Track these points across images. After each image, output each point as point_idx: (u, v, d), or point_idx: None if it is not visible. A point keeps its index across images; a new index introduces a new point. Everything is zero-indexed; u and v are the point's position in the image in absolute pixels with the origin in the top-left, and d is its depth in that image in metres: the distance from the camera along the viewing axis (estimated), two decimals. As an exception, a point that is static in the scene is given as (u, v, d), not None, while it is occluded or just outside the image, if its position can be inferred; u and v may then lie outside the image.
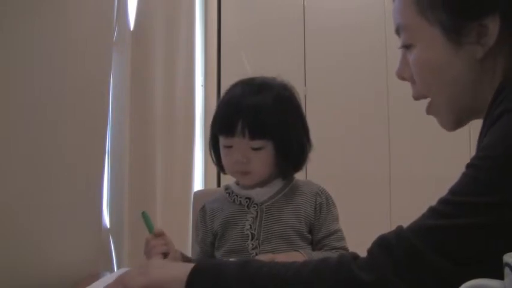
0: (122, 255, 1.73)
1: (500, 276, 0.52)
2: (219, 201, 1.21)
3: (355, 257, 0.69)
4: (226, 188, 1.22)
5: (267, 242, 1.12)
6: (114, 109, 1.72)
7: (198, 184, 2.52)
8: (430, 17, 0.75)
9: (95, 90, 1.52)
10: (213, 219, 1.18)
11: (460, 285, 0.54)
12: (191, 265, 0.77)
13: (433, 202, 0.67)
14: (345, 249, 1.13)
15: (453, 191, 0.65)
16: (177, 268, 0.78)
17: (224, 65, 2.89)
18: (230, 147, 1.12)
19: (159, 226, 1.12)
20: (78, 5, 1.45)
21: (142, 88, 1.90)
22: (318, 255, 1.06)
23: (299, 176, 1.22)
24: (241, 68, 2.81)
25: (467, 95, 0.76)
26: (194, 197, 1.55)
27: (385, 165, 2.80)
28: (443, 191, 0.67)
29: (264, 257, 1.00)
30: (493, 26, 0.71)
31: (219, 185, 2.61)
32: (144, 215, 1.10)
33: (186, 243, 1.88)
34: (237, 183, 1.21)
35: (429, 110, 0.82)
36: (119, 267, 1.69)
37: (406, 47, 0.80)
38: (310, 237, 1.14)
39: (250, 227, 1.13)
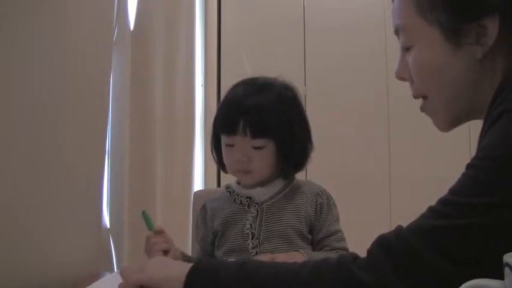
0: (122, 255, 1.73)
1: (500, 276, 0.52)
2: (220, 200, 1.21)
3: (355, 257, 0.69)
4: (227, 187, 1.22)
5: (267, 242, 1.12)
6: (114, 109, 1.73)
7: (198, 184, 2.52)
8: (429, 17, 0.75)
9: (95, 90, 1.52)
10: (214, 218, 1.19)
11: (459, 285, 0.54)
12: (190, 265, 0.77)
13: (433, 202, 0.67)
14: (345, 249, 1.13)
15: (453, 191, 0.65)
16: (176, 267, 0.78)
17: (224, 65, 2.88)
18: (232, 145, 1.12)
19: (159, 225, 1.12)
20: (78, 5, 1.45)
21: (142, 88, 1.90)
22: (318, 255, 1.06)
23: (299, 175, 1.23)
24: (241, 68, 2.81)
25: (466, 96, 0.76)
26: (194, 197, 1.55)
27: (385, 165, 2.80)
28: (443, 191, 0.67)
29: (263, 257, 1.01)
30: (492, 27, 0.71)
31: (219, 185, 2.61)
32: (144, 215, 1.10)
33: (186, 243, 1.88)
34: (238, 183, 1.21)
35: (424, 108, 0.82)
36: (118, 267, 1.69)
37: (405, 47, 0.80)
38: (311, 237, 1.14)
39: (251, 226, 1.13)
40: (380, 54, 2.75)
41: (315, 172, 1.27)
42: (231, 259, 1.06)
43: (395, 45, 0.83)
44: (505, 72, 0.72)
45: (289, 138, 1.12)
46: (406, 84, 0.83)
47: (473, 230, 0.60)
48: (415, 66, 0.78)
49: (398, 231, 0.66)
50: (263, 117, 1.09)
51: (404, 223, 0.68)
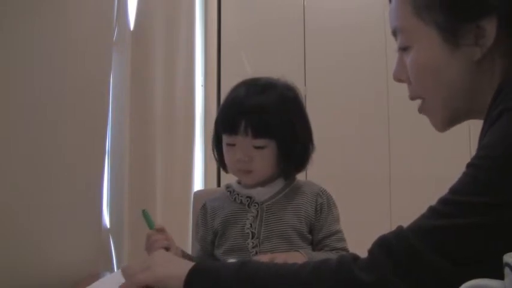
0: (122, 255, 1.73)
1: (500, 276, 0.52)
2: (220, 199, 1.21)
3: (355, 257, 0.69)
4: (228, 186, 1.22)
5: (267, 241, 1.12)
6: (114, 109, 1.73)
7: (198, 184, 2.52)
8: (426, 18, 0.75)
9: (95, 90, 1.52)
10: (214, 217, 1.19)
11: (459, 285, 0.54)
12: (192, 263, 0.77)
13: (433, 202, 0.67)
14: (346, 250, 1.14)
15: (453, 191, 0.65)
16: (178, 266, 0.78)
17: (224, 65, 2.89)
18: (233, 145, 1.12)
19: (159, 224, 1.13)
20: (78, 5, 1.45)
21: (142, 88, 1.90)
22: (318, 255, 1.06)
23: (299, 176, 1.23)
24: (241, 68, 2.81)
25: (464, 96, 0.76)
26: (194, 197, 1.55)
27: (385, 165, 2.80)
28: (443, 191, 0.67)
29: (264, 257, 1.01)
30: (490, 28, 0.70)
31: (219, 184, 2.61)
32: (145, 213, 1.10)
33: (186, 243, 1.88)
34: (239, 182, 1.21)
35: (422, 109, 0.82)
36: (119, 267, 1.69)
37: (403, 49, 0.80)
38: (311, 237, 1.14)
39: (251, 226, 1.13)
40: (380, 54, 2.76)
41: (315, 172, 1.27)
42: (231, 258, 1.07)
43: (395, 45, 0.83)
44: (504, 72, 0.72)
45: (291, 139, 1.12)
46: (406, 84, 0.83)
47: (473, 229, 0.60)
48: (413, 67, 0.78)
49: (399, 232, 0.66)
50: (264, 117, 1.09)
51: (404, 223, 0.68)
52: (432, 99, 0.79)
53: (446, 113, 0.79)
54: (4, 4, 1.23)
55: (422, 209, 0.67)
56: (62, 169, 1.37)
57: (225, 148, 1.15)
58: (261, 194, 1.16)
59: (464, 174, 0.65)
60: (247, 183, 1.18)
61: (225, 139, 1.14)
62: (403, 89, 0.84)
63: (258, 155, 1.11)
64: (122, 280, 0.83)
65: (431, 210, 0.66)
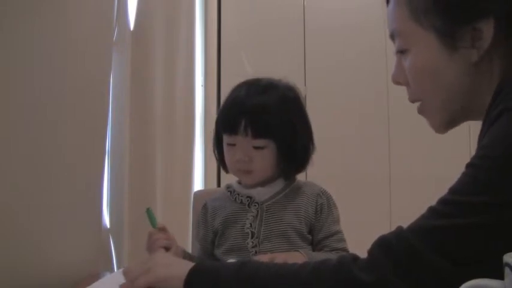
0: (122, 255, 1.73)
1: (500, 276, 0.52)
2: (221, 199, 1.21)
3: (355, 258, 0.69)
4: (228, 186, 1.22)
5: (267, 241, 1.12)
6: (114, 109, 1.73)
7: (198, 184, 2.52)
8: (423, 22, 0.75)
9: (95, 90, 1.52)
10: (214, 217, 1.19)
11: (459, 285, 0.54)
12: (192, 264, 0.77)
13: (433, 202, 0.67)
14: (345, 250, 1.14)
15: (453, 191, 0.65)
16: (178, 266, 0.78)
17: (224, 65, 2.88)
18: (233, 145, 1.13)
19: (161, 223, 1.13)
20: (78, 5, 1.45)
21: (142, 88, 1.90)
22: (318, 255, 1.06)
23: (299, 176, 1.23)
24: (241, 68, 2.81)
25: (463, 98, 0.76)
26: (194, 197, 1.55)
27: (385, 165, 2.80)
28: (443, 191, 0.67)
29: (264, 257, 1.01)
30: (487, 30, 0.71)
31: (219, 185, 2.61)
32: (149, 211, 1.11)
33: (186, 243, 1.88)
34: (239, 182, 1.21)
35: (421, 111, 0.82)
36: (119, 267, 1.70)
37: (401, 52, 0.80)
38: (310, 237, 1.14)
39: (251, 226, 1.14)
40: (380, 54, 2.75)
41: (315, 172, 1.27)
42: (231, 258, 1.07)
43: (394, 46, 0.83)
44: (502, 73, 0.72)
45: (291, 139, 1.12)
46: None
47: (473, 229, 0.61)
48: (411, 70, 0.78)
49: (399, 232, 0.66)
50: (264, 117, 1.09)
51: (404, 223, 0.68)
52: (431, 101, 0.79)
53: (444, 115, 0.79)
54: (4, 4, 1.23)
55: (422, 209, 0.67)
56: (62, 169, 1.37)
57: (225, 148, 1.15)
58: (261, 194, 1.16)
59: (464, 174, 0.66)
60: (247, 184, 1.18)
61: (225, 139, 1.15)
62: (403, 89, 0.84)
63: (258, 155, 1.11)
64: (122, 280, 0.83)
65: (431, 210, 0.66)
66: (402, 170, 2.77)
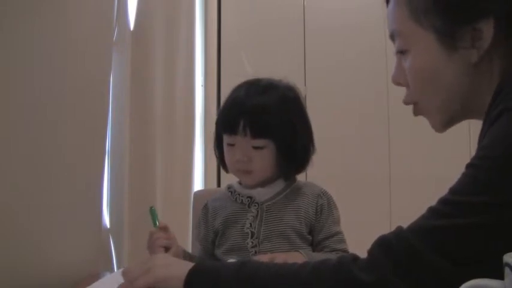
0: (122, 255, 1.73)
1: (500, 276, 0.52)
2: (222, 199, 1.22)
3: (354, 258, 0.69)
4: (229, 187, 1.23)
5: (267, 241, 1.12)
6: (114, 109, 1.73)
7: (198, 184, 2.52)
8: (423, 22, 0.75)
9: (95, 90, 1.52)
10: (215, 217, 1.19)
11: (459, 285, 0.54)
12: (192, 264, 0.77)
13: (433, 202, 0.67)
14: (345, 251, 1.13)
15: (453, 191, 0.65)
16: (178, 267, 0.78)
17: (224, 65, 2.88)
18: (233, 145, 1.13)
19: (163, 222, 1.13)
20: (78, 5, 1.45)
21: (142, 88, 1.90)
22: (318, 256, 1.06)
23: (299, 176, 1.23)
24: (241, 68, 2.81)
25: (463, 98, 0.76)
26: (194, 197, 1.55)
27: (385, 165, 2.80)
28: (443, 191, 0.67)
29: (263, 257, 1.01)
30: (487, 30, 0.71)
31: (219, 185, 2.61)
32: (152, 210, 1.12)
33: (186, 243, 1.88)
34: (240, 183, 1.21)
35: (417, 111, 0.82)
36: (119, 267, 1.70)
37: (401, 52, 0.80)
38: (310, 238, 1.14)
39: (250, 226, 1.14)
40: (380, 54, 2.75)
41: (315, 172, 1.26)
42: (231, 258, 1.07)
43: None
44: (502, 73, 0.72)
45: (290, 139, 1.12)
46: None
47: (473, 229, 0.61)
48: (411, 71, 0.79)
49: (399, 232, 0.66)
50: (264, 117, 1.09)
51: (404, 223, 0.68)
52: (430, 101, 0.79)
53: (445, 114, 0.79)
54: (4, 4, 1.23)
55: (422, 209, 0.67)
56: (62, 169, 1.37)
57: (225, 148, 1.16)
58: (261, 194, 1.16)
59: (464, 174, 0.66)
60: (247, 184, 1.18)
61: (225, 139, 1.15)
62: (403, 89, 0.84)
63: (257, 155, 1.11)
64: (122, 280, 0.83)
65: (431, 210, 0.66)
66: (402, 170, 2.77)
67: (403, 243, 0.64)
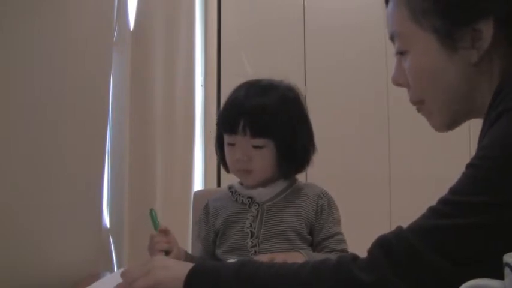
0: (122, 255, 1.73)
1: (500, 276, 0.52)
2: (222, 200, 1.22)
3: (354, 257, 0.69)
4: (230, 187, 1.23)
5: (267, 241, 1.12)
6: (114, 109, 1.73)
7: (198, 184, 2.52)
8: (423, 22, 0.75)
9: (95, 90, 1.52)
10: (216, 217, 1.19)
11: (459, 285, 0.54)
12: (192, 265, 0.77)
13: (433, 202, 0.67)
14: (345, 251, 1.14)
15: (453, 191, 0.65)
16: (178, 268, 0.78)
17: (224, 65, 2.88)
18: (233, 145, 1.13)
19: (164, 225, 1.13)
20: (78, 5, 1.45)
21: (142, 88, 1.90)
22: (318, 256, 1.06)
23: (299, 176, 1.23)
24: (241, 68, 2.81)
25: (463, 99, 0.76)
26: (194, 197, 1.55)
27: (385, 165, 2.80)
28: (443, 191, 0.67)
29: (263, 257, 1.01)
30: (487, 30, 0.71)
31: (219, 185, 2.61)
32: (152, 213, 1.11)
33: (186, 243, 1.88)
34: (241, 183, 1.21)
35: (421, 109, 0.82)
36: (119, 267, 1.70)
37: (401, 53, 0.80)
38: (310, 238, 1.14)
39: (250, 226, 1.14)
40: (380, 54, 2.75)
41: (315, 172, 1.26)
42: (231, 258, 1.07)
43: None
44: (502, 73, 0.72)
45: (290, 139, 1.12)
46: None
47: (473, 229, 0.61)
48: (411, 71, 0.78)
49: (399, 232, 0.66)
50: (263, 116, 1.10)
51: (404, 223, 0.68)
52: (432, 102, 0.79)
53: (446, 115, 0.79)
54: (4, 4, 1.23)
55: (422, 209, 0.67)
56: (62, 169, 1.37)
57: (226, 148, 1.16)
58: (262, 194, 1.16)
59: (464, 174, 0.66)
60: (248, 184, 1.18)
61: (226, 139, 1.15)
62: (403, 89, 0.84)
63: (257, 154, 1.12)
64: (122, 280, 0.83)
65: (431, 210, 0.66)
66: (402, 170, 2.77)
67: (403, 243, 0.64)
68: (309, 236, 1.14)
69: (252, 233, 1.13)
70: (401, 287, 0.62)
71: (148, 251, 1.10)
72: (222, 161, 1.20)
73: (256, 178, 1.15)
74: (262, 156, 1.12)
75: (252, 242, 1.13)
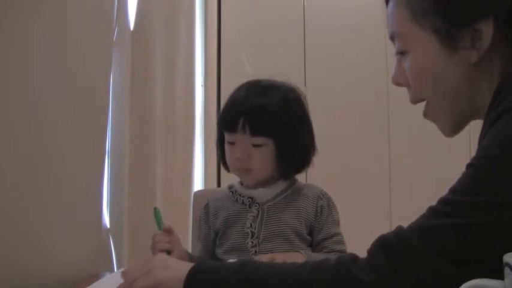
0: (122, 255, 1.73)
1: (500, 276, 0.52)
2: (223, 199, 1.22)
3: (354, 257, 0.69)
4: (230, 187, 1.23)
5: (267, 241, 1.12)
6: (114, 109, 1.73)
7: (198, 184, 2.52)
8: (423, 22, 0.75)
9: (95, 90, 1.52)
10: (216, 216, 1.19)
11: (459, 285, 0.54)
12: (192, 264, 0.77)
13: (433, 202, 0.67)
14: (344, 252, 1.14)
15: (453, 191, 0.65)
16: (178, 268, 0.78)
17: (224, 65, 2.88)
18: (233, 143, 1.13)
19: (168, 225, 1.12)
20: (78, 5, 1.45)
21: (142, 88, 1.90)
22: (317, 256, 1.06)
23: (299, 177, 1.23)
24: (241, 68, 2.81)
25: (464, 99, 0.76)
26: (194, 197, 1.55)
27: (385, 165, 2.80)
28: (443, 191, 0.67)
29: (264, 257, 1.01)
30: (487, 30, 0.70)
31: (219, 185, 2.61)
32: (156, 212, 1.11)
33: (187, 243, 1.88)
34: (241, 183, 1.22)
35: (427, 115, 0.82)
36: (119, 267, 1.70)
37: (401, 53, 0.80)
38: (310, 239, 1.14)
39: (251, 226, 1.14)
40: (380, 54, 2.75)
41: (315, 172, 1.26)
42: (231, 258, 1.07)
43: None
44: (502, 73, 0.72)
45: (290, 139, 1.13)
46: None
47: (473, 229, 0.61)
48: (411, 72, 0.78)
49: (399, 231, 0.66)
50: (263, 115, 1.10)
51: (404, 223, 0.68)
52: (434, 104, 0.79)
53: (449, 117, 0.79)
54: (4, 4, 1.23)
55: (422, 209, 0.67)
56: (62, 169, 1.37)
57: (226, 147, 1.16)
58: (262, 194, 1.16)
59: (464, 174, 0.66)
60: (247, 183, 1.18)
61: (226, 137, 1.16)
62: (403, 89, 0.84)
63: (257, 153, 1.12)
64: (122, 281, 0.83)
65: (431, 210, 0.66)
66: (402, 170, 2.77)
67: (403, 243, 0.64)
68: (308, 237, 1.14)
69: (253, 233, 1.13)
70: (402, 287, 0.62)
71: (151, 250, 1.10)
72: (222, 160, 1.20)
73: (255, 177, 1.15)
74: (261, 155, 1.12)
75: (252, 242, 1.13)
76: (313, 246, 1.15)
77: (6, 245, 1.22)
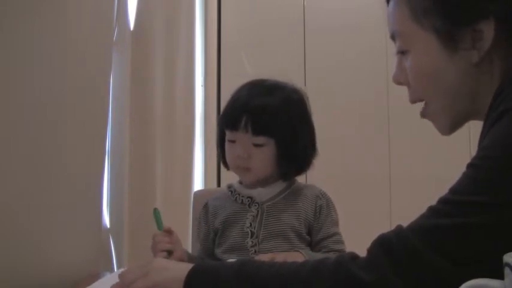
0: (122, 255, 1.73)
1: (500, 276, 0.52)
2: (222, 199, 1.22)
3: (354, 256, 0.69)
4: (229, 186, 1.23)
5: (266, 241, 1.12)
6: (114, 109, 1.73)
7: (198, 184, 2.52)
8: (424, 22, 0.75)
9: (95, 90, 1.52)
10: (215, 216, 1.20)
11: (459, 285, 0.54)
12: (191, 265, 0.77)
13: (433, 202, 0.67)
14: (343, 252, 1.14)
15: (453, 191, 0.65)
16: (178, 268, 0.78)
17: (224, 65, 2.88)
18: (233, 141, 1.14)
19: (168, 225, 1.13)
20: (78, 5, 1.45)
21: (142, 88, 1.90)
22: (317, 256, 1.06)
23: (299, 177, 1.23)
24: (241, 68, 2.81)
25: (464, 100, 0.76)
26: (194, 197, 1.55)
27: (385, 165, 2.80)
28: (443, 191, 0.67)
29: (263, 257, 1.01)
30: (487, 30, 0.71)
31: (219, 184, 2.61)
32: (155, 213, 1.11)
33: (187, 243, 1.88)
34: (240, 183, 1.22)
35: (425, 114, 0.82)
36: (119, 267, 1.69)
37: (402, 52, 0.80)
38: (309, 238, 1.15)
39: (250, 225, 1.14)
40: (380, 54, 2.75)
41: (314, 172, 1.27)
42: (231, 257, 1.07)
43: (395, 46, 0.83)
44: (503, 74, 0.72)
45: (291, 139, 1.13)
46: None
47: (473, 229, 0.61)
48: (411, 71, 0.78)
49: (399, 231, 0.66)
50: (266, 115, 1.10)
51: (404, 223, 0.68)
52: (433, 103, 0.79)
53: (448, 117, 0.79)
54: (4, 4, 1.23)
55: (422, 209, 0.67)
56: (62, 169, 1.37)
57: (226, 145, 1.16)
58: (262, 194, 1.17)
59: (464, 174, 0.66)
60: (247, 182, 1.18)
61: (227, 135, 1.16)
62: (403, 89, 0.84)
63: (257, 152, 1.12)
64: (122, 281, 0.83)
65: (431, 209, 0.66)
66: (402, 170, 2.77)
67: (403, 242, 0.64)
68: (307, 236, 1.14)
69: (252, 233, 1.13)
70: (401, 286, 0.62)
71: (151, 250, 1.10)
72: (222, 157, 1.21)
73: (255, 176, 1.15)
74: (262, 154, 1.12)
75: (251, 241, 1.13)
76: (312, 245, 1.15)
77: (6, 245, 1.22)
